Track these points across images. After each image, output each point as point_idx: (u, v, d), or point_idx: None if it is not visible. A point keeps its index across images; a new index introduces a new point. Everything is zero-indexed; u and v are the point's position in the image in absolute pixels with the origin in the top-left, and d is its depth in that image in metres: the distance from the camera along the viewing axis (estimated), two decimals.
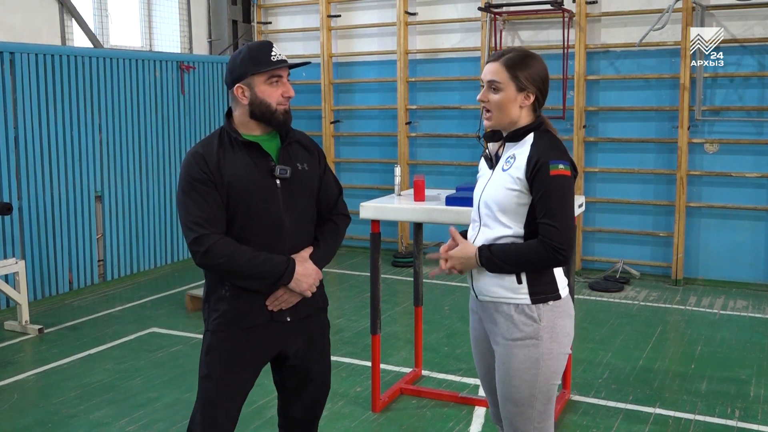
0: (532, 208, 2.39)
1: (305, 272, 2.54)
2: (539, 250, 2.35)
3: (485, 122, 2.50)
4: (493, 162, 2.54)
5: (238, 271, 2.47)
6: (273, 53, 2.50)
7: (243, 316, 2.55)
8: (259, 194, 2.50)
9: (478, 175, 2.64)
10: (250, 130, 2.55)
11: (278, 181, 2.53)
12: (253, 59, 2.48)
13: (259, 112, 2.51)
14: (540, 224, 2.35)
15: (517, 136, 2.46)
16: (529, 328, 2.41)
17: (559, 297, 2.46)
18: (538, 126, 2.46)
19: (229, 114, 2.60)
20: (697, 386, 4.55)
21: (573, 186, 2.41)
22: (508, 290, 2.44)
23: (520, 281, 2.42)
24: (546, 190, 2.34)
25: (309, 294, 2.57)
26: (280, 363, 2.69)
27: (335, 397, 4.41)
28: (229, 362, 2.57)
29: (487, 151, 2.58)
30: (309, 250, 2.59)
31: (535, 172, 2.35)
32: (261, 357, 2.63)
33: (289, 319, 2.59)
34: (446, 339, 5.45)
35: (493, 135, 2.55)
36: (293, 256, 2.54)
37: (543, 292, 2.43)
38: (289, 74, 2.56)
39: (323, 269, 2.65)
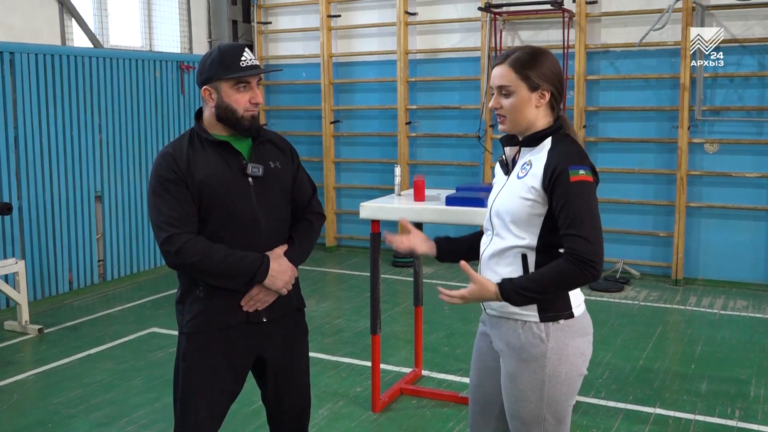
0: (548, 219, 2.23)
1: (280, 269, 2.51)
2: (568, 268, 2.15)
3: (500, 127, 2.36)
4: (509, 167, 2.38)
5: (211, 270, 2.44)
6: (243, 58, 2.45)
7: (218, 316, 2.52)
8: (232, 193, 2.48)
9: (494, 180, 2.50)
10: (219, 131, 2.53)
11: (250, 180, 2.52)
12: (222, 63, 2.44)
13: (225, 117, 2.48)
14: (565, 236, 2.17)
15: (533, 140, 2.30)
16: (536, 349, 2.26)
17: (571, 315, 2.28)
18: (556, 129, 2.30)
19: (199, 114, 2.58)
20: (697, 386, 4.55)
21: (595, 192, 2.24)
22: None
23: None
24: (567, 199, 2.16)
25: (285, 292, 2.54)
26: (261, 372, 2.66)
27: (335, 397, 4.42)
28: (209, 366, 2.54)
29: (504, 156, 2.41)
30: (284, 248, 2.57)
31: (553, 180, 2.18)
32: (241, 360, 2.59)
33: (265, 320, 2.56)
34: (446, 339, 5.45)
35: (511, 139, 2.38)
36: (267, 253, 2.52)
37: (554, 309, 2.26)
38: (260, 79, 2.53)
39: (299, 268, 2.63)
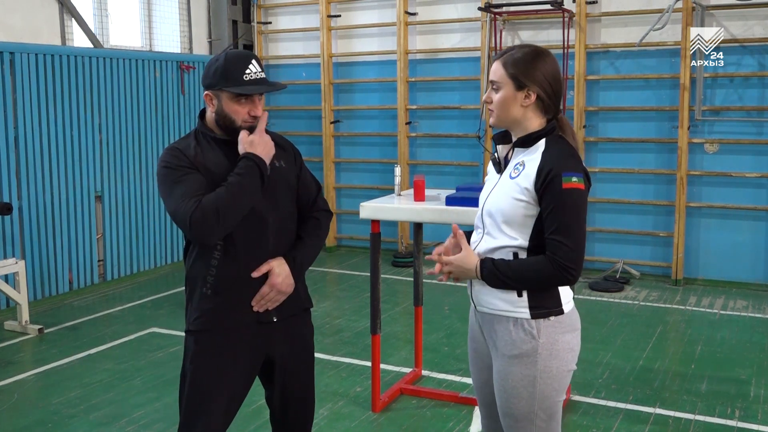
0: (539, 219, 2.26)
1: (258, 140, 2.43)
2: (547, 267, 2.22)
3: (490, 120, 2.40)
4: (501, 166, 2.41)
5: (235, 208, 2.37)
6: (248, 71, 2.43)
7: (227, 314, 2.49)
8: None
9: (486, 178, 2.52)
10: (221, 133, 2.52)
11: None
12: (226, 73, 2.42)
13: (223, 124, 2.48)
14: (549, 240, 2.23)
15: (527, 141, 2.33)
16: (527, 345, 2.29)
17: (561, 312, 2.32)
18: (550, 131, 2.32)
19: (203, 114, 2.58)
20: (697, 386, 4.56)
21: (586, 200, 2.29)
22: (507, 303, 2.31)
23: (520, 294, 2.29)
24: (557, 205, 2.21)
25: (290, 290, 2.51)
26: (269, 373, 2.64)
27: (335, 397, 4.42)
28: (217, 367, 2.50)
29: (496, 154, 2.44)
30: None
31: (546, 184, 2.22)
32: (250, 361, 2.56)
33: (275, 320, 2.55)
34: (446, 339, 5.45)
35: (504, 137, 2.42)
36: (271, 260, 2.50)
37: (544, 306, 2.30)
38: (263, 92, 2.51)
39: (310, 267, 2.62)
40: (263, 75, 2.49)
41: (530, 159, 2.29)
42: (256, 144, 2.44)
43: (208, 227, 2.34)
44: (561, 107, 2.42)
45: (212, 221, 2.34)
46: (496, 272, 2.28)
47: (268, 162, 2.45)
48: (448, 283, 2.49)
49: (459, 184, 4.43)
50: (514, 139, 2.38)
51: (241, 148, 2.45)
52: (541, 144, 2.31)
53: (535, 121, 2.33)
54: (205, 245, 2.46)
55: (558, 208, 2.21)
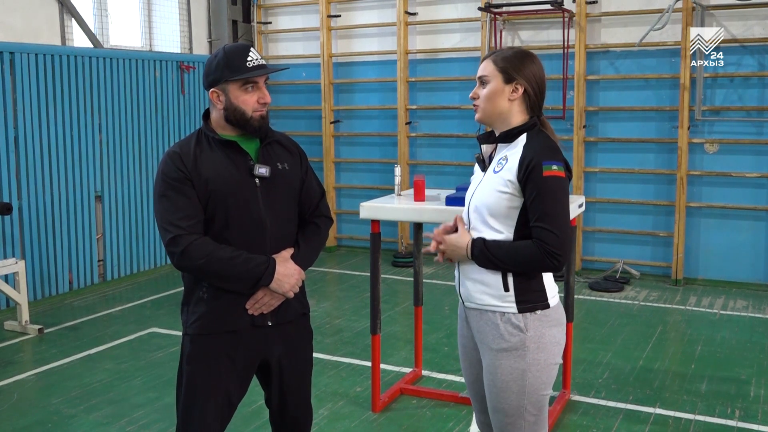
0: (523, 211, 2.32)
1: (287, 272, 2.48)
2: (534, 252, 2.27)
3: (476, 117, 2.47)
4: (485, 164, 2.49)
5: (216, 272, 2.41)
6: (250, 58, 2.44)
7: (223, 318, 2.49)
8: (238, 193, 2.46)
9: (472, 177, 2.59)
10: (227, 132, 2.51)
11: (257, 181, 2.49)
12: (229, 64, 2.43)
13: (234, 118, 2.46)
14: (534, 227, 2.27)
15: (509, 136, 2.39)
16: (515, 339, 2.34)
17: (547, 306, 2.38)
18: (531, 126, 2.39)
19: (206, 115, 2.57)
20: (697, 386, 4.55)
21: (567, 188, 2.34)
22: (495, 298, 2.36)
23: (507, 289, 2.35)
24: (539, 192, 2.26)
25: (291, 295, 2.52)
26: (266, 376, 2.65)
27: (335, 397, 4.42)
28: (214, 370, 2.50)
29: (480, 153, 2.53)
30: (290, 251, 2.55)
31: (527, 173, 2.27)
32: (245, 363, 2.56)
33: (270, 324, 2.54)
34: (446, 339, 5.45)
35: (488, 137, 2.50)
36: (274, 256, 2.49)
37: (531, 300, 2.36)
38: (268, 78, 2.51)
39: (306, 271, 2.61)
40: (264, 62, 2.49)
41: (513, 152, 2.36)
42: (285, 275, 2.48)
43: (184, 261, 2.42)
44: (543, 110, 2.49)
45: (190, 263, 2.42)
46: (486, 251, 2.34)
47: (274, 286, 2.47)
48: (451, 282, 2.55)
49: (459, 184, 4.42)
50: (497, 135, 2.44)
51: (281, 265, 2.48)
52: (523, 138, 2.38)
53: (518, 117, 2.40)
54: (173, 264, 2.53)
55: (540, 196, 2.27)
